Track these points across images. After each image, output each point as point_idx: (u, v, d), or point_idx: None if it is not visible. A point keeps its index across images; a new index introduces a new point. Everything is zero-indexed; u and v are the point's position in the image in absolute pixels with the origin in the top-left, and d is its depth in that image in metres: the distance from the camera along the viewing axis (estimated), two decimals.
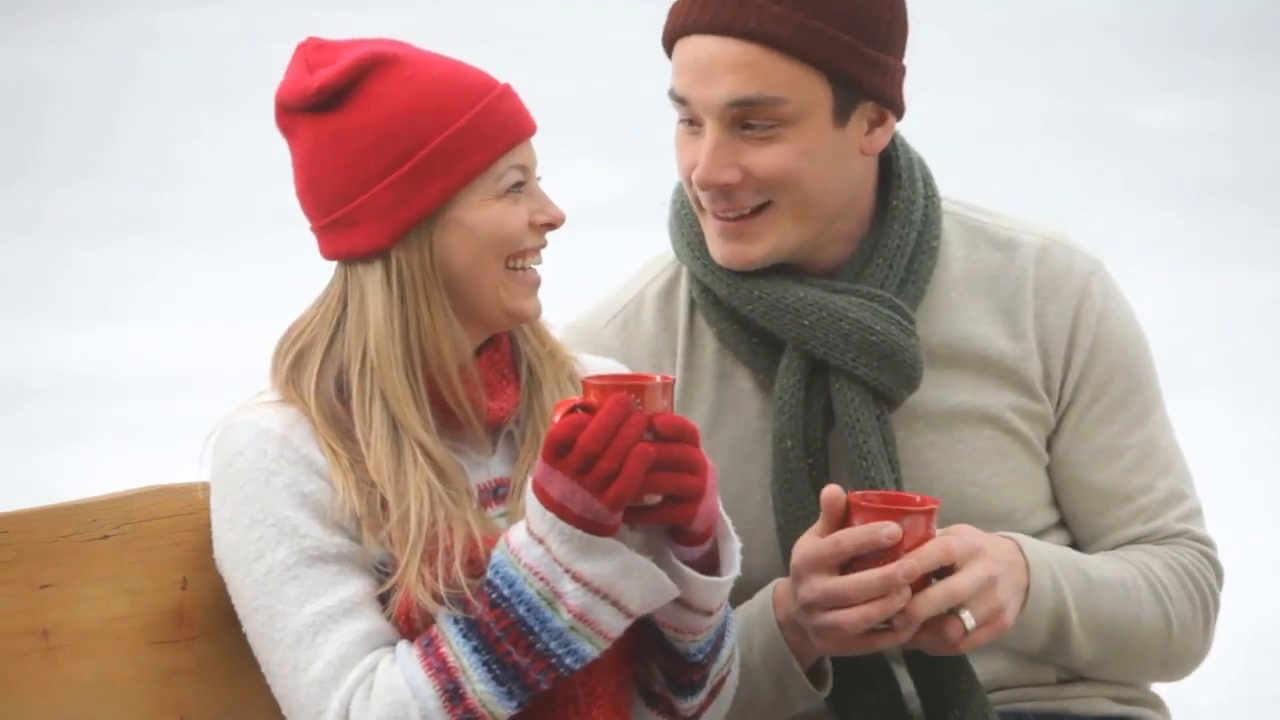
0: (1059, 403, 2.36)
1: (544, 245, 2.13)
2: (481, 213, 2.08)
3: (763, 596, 2.25)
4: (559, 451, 1.95)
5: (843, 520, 2.13)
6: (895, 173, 2.35)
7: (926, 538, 2.12)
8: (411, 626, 2.03)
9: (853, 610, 2.10)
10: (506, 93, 2.12)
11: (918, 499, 2.16)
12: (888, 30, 2.27)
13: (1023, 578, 2.21)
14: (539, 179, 2.14)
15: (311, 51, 2.11)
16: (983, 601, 2.15)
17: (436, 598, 2.00)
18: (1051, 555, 2.27)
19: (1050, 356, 2.35)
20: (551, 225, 2.12)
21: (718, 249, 2.30)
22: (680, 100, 2.28)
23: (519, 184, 2.10)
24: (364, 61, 2.08)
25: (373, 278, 2.08)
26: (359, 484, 2.04)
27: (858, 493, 2.15)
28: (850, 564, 2.11)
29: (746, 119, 2.25)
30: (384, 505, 2.04)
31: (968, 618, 2.13)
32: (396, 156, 2.06)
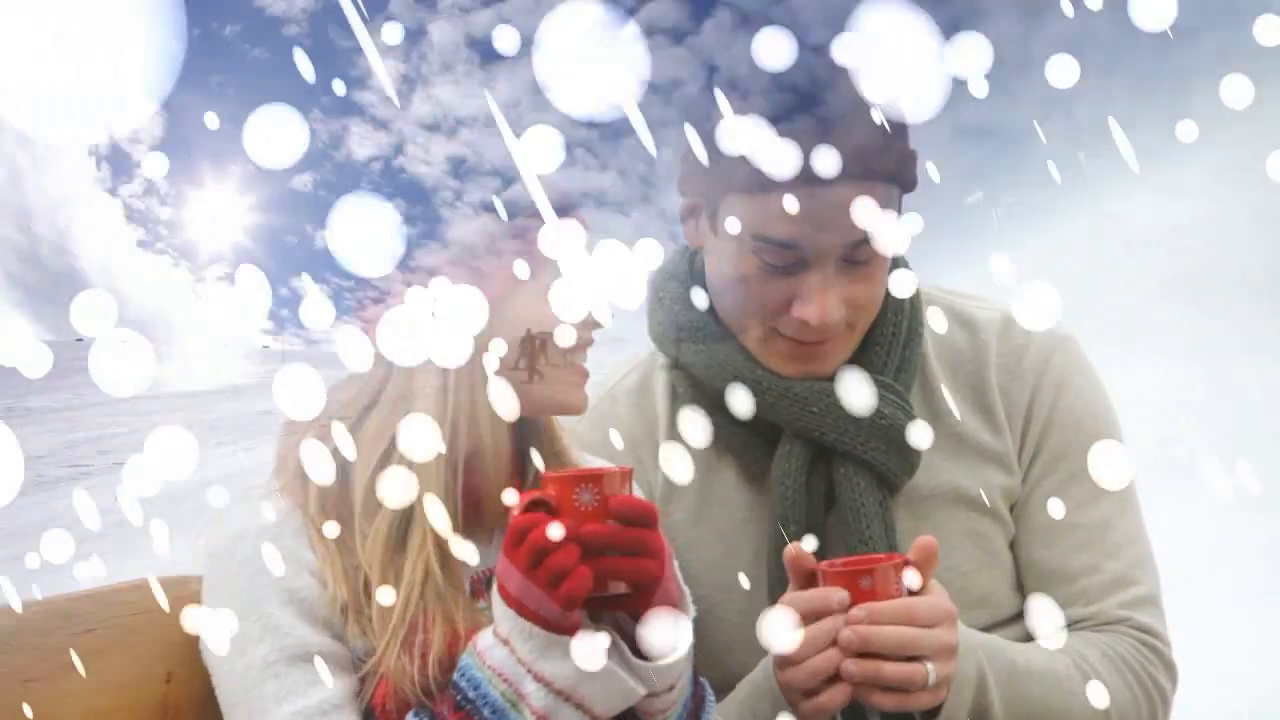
0: (1024, 478, 2.34)
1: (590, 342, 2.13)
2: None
3: (765, 664, 2.21)
4: (512, 545, 1.92)
5: (810, 582, 2.11)
6: None
7: (897, 592, 2.06)
8: (388, 716, 2.01)
9: (803, 665, 2.04)
10: None
11: (884, 558, 2.10)
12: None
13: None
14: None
15: None
16: (943, 665, 2.06)
17: (413, 683, 1.98)
18: (977, 642, 2.21)
19: (1014, 430, 2.34)
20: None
21: (788, 367, 2.28)
22: (786, 245, 2.19)
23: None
24: None
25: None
26: (345, 569, 2.03)
27: (825, 561, 2.11)
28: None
29: (855, 255, 2.20)
30: (367, 585, 2.02)
31: (931, 669, 2.04)
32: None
